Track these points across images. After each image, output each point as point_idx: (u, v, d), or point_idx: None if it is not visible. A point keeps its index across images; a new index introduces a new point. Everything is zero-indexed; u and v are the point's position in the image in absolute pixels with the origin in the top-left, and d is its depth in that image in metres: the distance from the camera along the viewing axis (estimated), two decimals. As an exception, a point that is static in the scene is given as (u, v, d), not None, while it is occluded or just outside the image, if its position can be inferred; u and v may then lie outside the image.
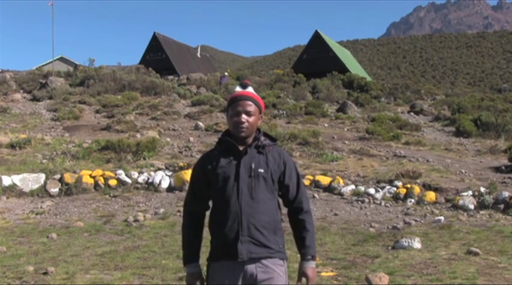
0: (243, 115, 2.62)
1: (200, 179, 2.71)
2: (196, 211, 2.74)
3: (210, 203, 2.76)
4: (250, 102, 2.65)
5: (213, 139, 15.28)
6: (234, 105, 2.66)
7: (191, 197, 2.76)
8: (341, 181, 11.13)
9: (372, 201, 10.37)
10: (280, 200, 2.76)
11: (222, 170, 2.62)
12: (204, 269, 2.72)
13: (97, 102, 21.72)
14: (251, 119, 2.63)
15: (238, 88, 2.73)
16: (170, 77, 33.29)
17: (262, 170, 2.60)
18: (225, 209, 2.57)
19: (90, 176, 11.31)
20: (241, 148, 2.63)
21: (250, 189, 2.57)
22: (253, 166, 2.60)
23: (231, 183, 2.59)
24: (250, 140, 2.67)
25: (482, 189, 10.27)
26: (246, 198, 2.56)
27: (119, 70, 28.39)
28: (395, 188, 10.76)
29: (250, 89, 2.72)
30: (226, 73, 31.51)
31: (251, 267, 2.55)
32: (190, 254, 2.72)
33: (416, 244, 7.07)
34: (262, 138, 2.69)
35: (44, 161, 12.38)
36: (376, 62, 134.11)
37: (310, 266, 2.67)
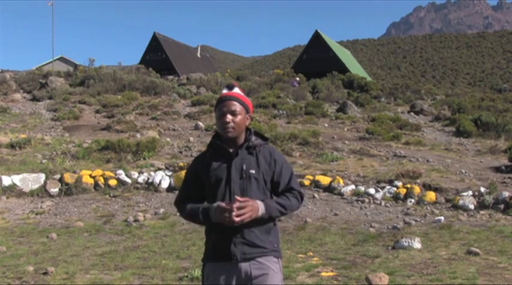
0: (228, 115, 2.62)
1: (193, 181, 2.73)
2: (191, 201, 2.72)
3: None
4: (235, 102, 2.66)
5: (213, 139, 15.28)
6: (219, 106, 2.67)
7: (180, 199, 2.77)
8: (341, 181, 11.13)
9: (372, 201, 10.37)
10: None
11: (214, 173, 2.63)
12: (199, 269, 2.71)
13: (97, 102, 21.71)
14: (237, 119, 2.63)
15: (224, 90, 2.75)
16: (170, 77, 33.24)
17: (253, 171, 2.61)
18: None
19: (90, 176, 11.31)
20: (231, 150, 2.65)
21: (242, 190, 2.58)
22: (244, 167, 2.61)
23: (222, 185, 2.60)
24: (240, 141, 2.68)
25: (482, 189, 10.27)
26: None
27: (119, 70, 28.36)
28: (395, 188, 10.76)
29: (236, 90, 2.73)
30: (297, 78, 31.86)
31: (245, 266, 2.56)
32: (200, 205, 2.64)
33: (417, 244, 7.08)
34: (253, 138, 2.70)
35: (44, 161, 12.38)
36: (376, 62, 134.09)
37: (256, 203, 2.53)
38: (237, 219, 2.43)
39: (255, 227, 2.57)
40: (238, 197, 2.49)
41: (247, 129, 2.73)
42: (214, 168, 2.64)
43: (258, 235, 2.59)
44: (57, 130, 17.03)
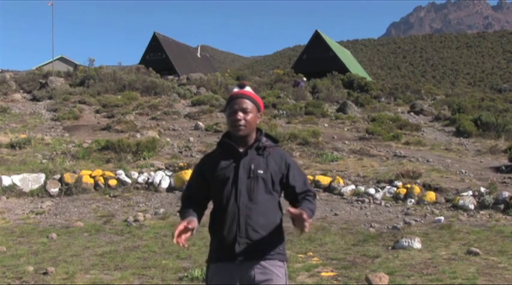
0: (240, 113, 2.61)
1: (198, 180, 2.72)
2: (193, 200, 2.73)
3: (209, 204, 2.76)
4: (246, 100, 2.65)
5: (213, 139, 15.28)
6: (231, 104, 2.66)
7: (185, 196, 2.79)
8: (341, 181, 11.13)
9: (372, 201, 10.37)
10: (282, 201, 2.74)
11: (221, 172, 2.61)
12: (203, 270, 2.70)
13: (97, 102, 21.71)
14: (248, 117, 2.62)
15: (236, 89, 2.74)
16: (170, 77, 33.22)
17: (261, 172, 2.59)
18: (223, 211, 2.57)
19: (90, 176, 11.31)
20: (241, 149, 2.63)
21: (249, 191, 2.56)
22: (252, 167, 2.59)
23: (229, 185, 2.58)
24: (251, 140, 2.66)
25: (482, 189, 10.27)
26: (245, 200, 2.56)
27: (119, 70, 28.36)
28: (395, 188, 10.76)
29: (247, 88, 2.72)
30: (304, 79, 32.39)
31: (249, 269, 2.54)
32: (187, 214, 2.63)
33: (417, 244, 7.07)
34: (264, 139, 2.68)
35: (44, 161, 12.38)
36: (376, 62, 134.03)
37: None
38: (306, 224, 2.39)
39: (261, 229, 2.56)
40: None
41: (258, 130, 2.71)
42: (222, 167, 2.62)
43: (264, 236, 2.56)
44: (57, 130, 17.03)
